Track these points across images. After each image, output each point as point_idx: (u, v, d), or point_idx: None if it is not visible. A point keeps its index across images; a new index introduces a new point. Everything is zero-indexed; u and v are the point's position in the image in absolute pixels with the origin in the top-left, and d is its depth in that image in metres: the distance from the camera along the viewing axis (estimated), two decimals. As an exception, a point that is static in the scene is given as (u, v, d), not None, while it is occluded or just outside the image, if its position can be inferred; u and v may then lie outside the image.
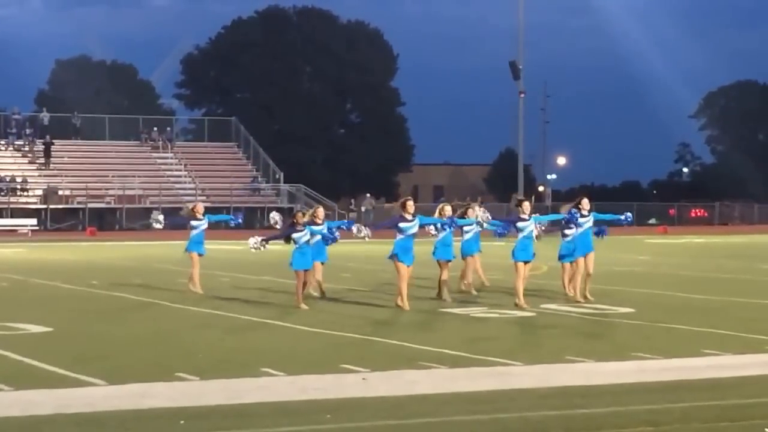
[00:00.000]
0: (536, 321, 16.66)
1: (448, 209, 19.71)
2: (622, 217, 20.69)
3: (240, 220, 23.33)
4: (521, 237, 18.36)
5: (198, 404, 9.76)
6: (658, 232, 61.84)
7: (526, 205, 18.67)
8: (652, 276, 26.19)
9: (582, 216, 19.56)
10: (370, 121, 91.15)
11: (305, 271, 18.39)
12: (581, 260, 19.49)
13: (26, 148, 65.76)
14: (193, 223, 21.39)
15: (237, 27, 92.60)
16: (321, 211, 19.86)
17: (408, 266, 18.05)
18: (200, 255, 21.31)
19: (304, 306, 18.02)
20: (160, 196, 62.46)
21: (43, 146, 64.92)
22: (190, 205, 22.12)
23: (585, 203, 19.77)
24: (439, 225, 19.31)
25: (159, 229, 22.17)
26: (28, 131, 66.57)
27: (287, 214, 66.35)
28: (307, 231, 18.39)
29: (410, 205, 18.39)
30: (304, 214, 19.00)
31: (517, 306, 18.03)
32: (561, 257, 19.82)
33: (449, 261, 19.68)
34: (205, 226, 21.50)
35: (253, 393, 10.28)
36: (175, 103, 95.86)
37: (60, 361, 12.07)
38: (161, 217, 23.17)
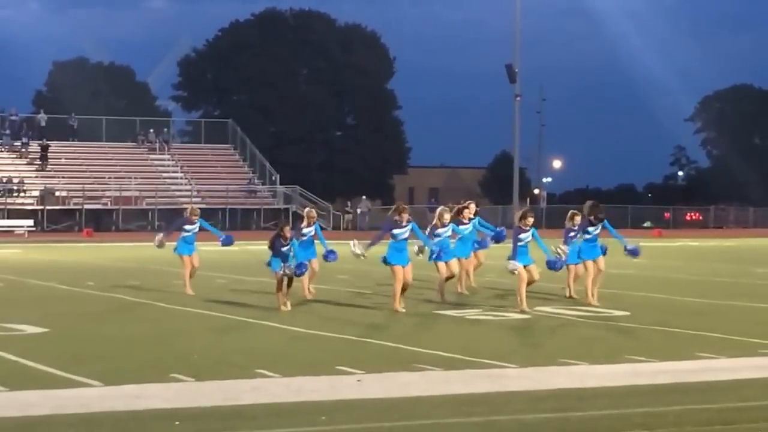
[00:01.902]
0: (531, 323, 16.69)
1: (446, 216, 19.84)
2: (629, 247, 20.75)
3: (228, 240, 22.69)
4: (520, 245, 18.35)
5: (193, 405, 9.78)
6: (653, 236, 61.90)
7: (530, 220, 18.61)
8: (647, 279, 26.22)
9: (591, 225, 19.69)
10: (366, 123, 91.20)
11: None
12: (590, 263, 19.53)
13: (23, 150, 65.75)
14: (186, 227, 21.42)
15: (234, 29, 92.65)
16: (314, 213, 19.81)
17: (403, 266, 18.09)
18: (188, 256, 21.36)
19: (284, 307, 18.05)
20: (156, 198, 62.50)
21: (40, 148, 64.94)
22: (187, 210, 22.04)
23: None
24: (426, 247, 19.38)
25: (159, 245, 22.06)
26: (23, 132, 66.57)
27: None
28: (291, 245, 18.40)
29: (405, 213, 18.49)
30: (292, 228, 18.98)
31: (521, 311, 17.97)
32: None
33: (447, 262, 19.75)
34: (197, 230, 21.56)
35: (248, 394, 10.30)
36: (172, 105, 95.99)
37: (56, 362, 12.08)
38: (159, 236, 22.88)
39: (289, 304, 18.18)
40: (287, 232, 18.41)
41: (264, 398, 10.14)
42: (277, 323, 16.31)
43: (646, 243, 51.06)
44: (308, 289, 20.33)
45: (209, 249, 35.91)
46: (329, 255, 20.70)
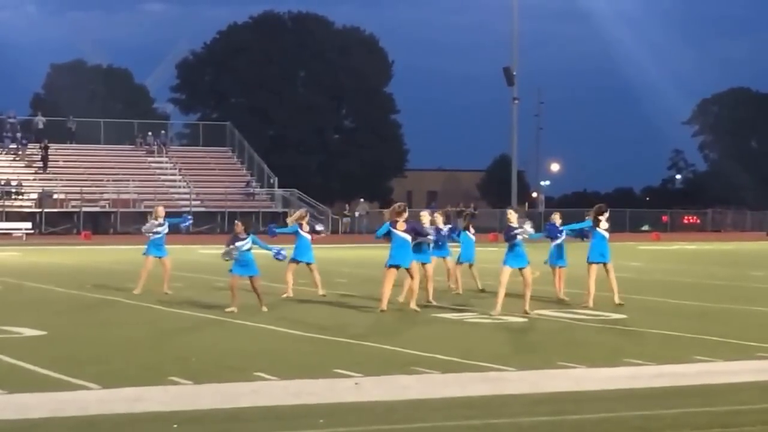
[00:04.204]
0: (528, 327, 16.71)
1: (425, 219, 20.28)
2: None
3: (190, 221, 23.82)
4: (514, 245, 18.30)
5: (191, 408, 9.79)
6: (650, 239, 61.92)
7: (513, 215, 18.56)
8: (644, 282, 26.25)
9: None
10: (364, 126, 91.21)
11: (251, 277, 18.48)
12: (600, 266, 19.67)
13: (21, 152, 65.79)
14: (156, 229, 21.65)
15: (232, 32, 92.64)
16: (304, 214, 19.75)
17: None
18: (160, 257, 21.60)
19: (234, 309, 18.08)
20: (154, 201, 62.39)
21: (41, 150, 64.99)
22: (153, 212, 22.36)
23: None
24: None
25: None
26: (19, 134, 66.63)
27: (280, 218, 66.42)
28: (249, 240, 18.47)
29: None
30: (243, 224, 19.02)
31: (525, 313, 17.94)
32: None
33: (426, 264, 19.93)
34: (166, 230, 21.80)
35: (246, 397, 10.31)
36: (170, 108, 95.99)
37: (54, 365, 12.09)
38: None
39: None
40: (239, 228, 18.57)
41: (262, 401, 10.16)
42: (274, 326, 16.33)
43: (644, 246, 51.11)
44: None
45: (209, 252, 35.94)
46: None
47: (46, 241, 51.78)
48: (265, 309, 18.21)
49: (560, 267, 20.69)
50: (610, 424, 9.42)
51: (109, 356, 13.10)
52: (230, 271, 18.55)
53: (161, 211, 22.20)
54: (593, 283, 19.50)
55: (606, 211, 20.01)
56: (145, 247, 22.00)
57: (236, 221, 19.04)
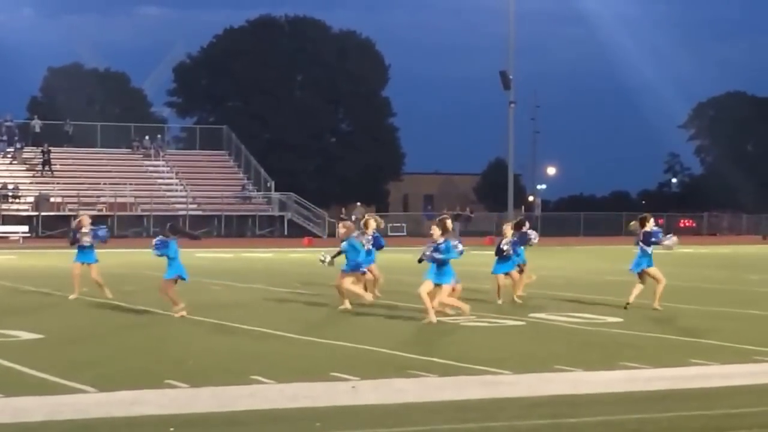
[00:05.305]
0: (525, 330, 16.71)
1: (372, 223, 20.40)
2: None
3: (101, 234, 21.96)
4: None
5: (188, 411, 9.79)
6: (647, 242, 61.90)
7: (449, 223, 18.14)
8: (642, 286, 26.22)
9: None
10: (361, 130, 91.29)
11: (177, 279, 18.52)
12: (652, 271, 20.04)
13: (18, 156, 65.80)
14: (81, 238, 21.55)
15: (229, 35, 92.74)
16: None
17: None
18: (87, 263, 21.36)
19: (184, 313, 18.12)
20: (151, 204, 62.52)
21: (42, 153, 65.05)
22: (78, 218, 22.20)
23: (652, 222, 20.45)
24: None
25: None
26: (16, 137, 66.67)
27: (277, 224, 66.39)
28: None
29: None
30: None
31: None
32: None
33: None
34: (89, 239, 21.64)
35: (243, 400, 10.31)
36: (167, 111, 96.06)
37: (51, 368, 12.08)
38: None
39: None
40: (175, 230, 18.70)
41: (259, 404, 10.16)
42: (271, 329, 16.32)
43: (640, 250, 51.11)
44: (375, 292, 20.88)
45: (204, 256, 35.91)
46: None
47: (42, 244, 51.73)
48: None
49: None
50: (607, 427, 9.43)
51: (106, 359, 13.09)
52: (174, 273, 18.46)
53: (86, 220, 21.97)
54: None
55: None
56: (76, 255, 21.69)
57: (172, 223, 19.13)
